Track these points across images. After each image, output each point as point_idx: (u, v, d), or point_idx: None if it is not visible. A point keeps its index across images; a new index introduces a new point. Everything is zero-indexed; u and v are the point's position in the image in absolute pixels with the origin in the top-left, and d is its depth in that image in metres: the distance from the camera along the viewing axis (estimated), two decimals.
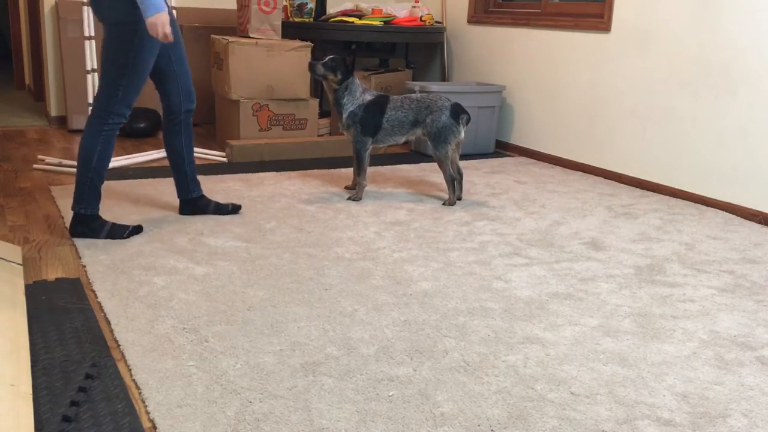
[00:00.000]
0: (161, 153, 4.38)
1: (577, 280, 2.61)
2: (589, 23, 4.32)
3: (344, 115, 3.49)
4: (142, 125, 4.95)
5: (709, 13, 3.65)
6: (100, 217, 2.86)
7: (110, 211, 3.17)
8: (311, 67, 3.51)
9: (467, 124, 3.48)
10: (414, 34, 5.25)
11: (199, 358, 1.93)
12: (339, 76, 3.46)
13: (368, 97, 3.51)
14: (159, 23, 2.55)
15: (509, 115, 5.01)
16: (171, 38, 2.60)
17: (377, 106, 3.49)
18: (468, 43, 5.35)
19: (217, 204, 3.21)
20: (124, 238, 2.84)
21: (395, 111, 3.49)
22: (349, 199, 3.53)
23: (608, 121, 4.27)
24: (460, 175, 3.60)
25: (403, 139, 3.57)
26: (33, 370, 1.82)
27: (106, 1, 2.64)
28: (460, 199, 3.61)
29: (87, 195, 2.80)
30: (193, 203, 3.18)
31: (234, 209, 3.23)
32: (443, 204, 3.52)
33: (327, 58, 3.49)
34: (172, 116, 2.99)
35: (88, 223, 2.83)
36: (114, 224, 2.87)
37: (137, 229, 2.91)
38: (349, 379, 1.86)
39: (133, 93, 2.76)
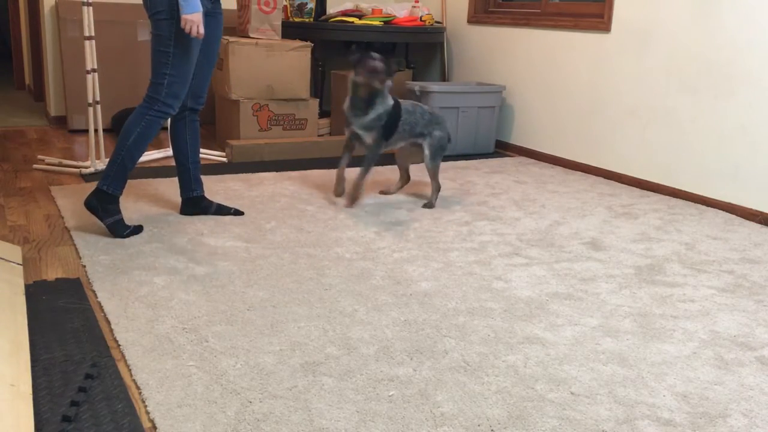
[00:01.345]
0: (161, 153, 4.38)
1: (577, 280, 2.61)
2: (589, 23, 4.32)
3: (370, 116, 3.30)
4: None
5: (709, 12, 3.65)
6: (117, 203, 2.89)
7: None
8: (374, 70, 3.23)
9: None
10: (414, 34, 5.25)
11: (199, 358, 1.93)
12: (388, 74, 3.31)
13: (392, 100, 3.39)
14: (194, 21, 2.69)
15: (509, 115, 5.01)
16: (202, 36, 2.75)
17: (396, 110, 3.40)
18: (468, 43, 5.35)
19: (219, 206, 3.21)
20: (123, 236, 2.85)
21: (408, 115, 3.41)
22: (341, 204, 3.44)
23: (608, 121, 4.27)
24: (407, 180, 3.74)
25: (399, 145, 3.50)
26: (33, 370, 1.82)
27: None
28: (393, 193, 3.73)
29: (114, 173, 2.84)
30: (195, 203, 3.19)
31: (236, 212, 3.22)
32: (424, 206, 3.52)
33: (377, 57, 3.28)
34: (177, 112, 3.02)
35: (104, 202, 2.85)
36: (121, 220, 2.90)
37: (137, 230, 2.92)
38: (349, 379, 1.86)
39: (179, 84, 2.82)
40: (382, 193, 3.71)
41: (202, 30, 2.73)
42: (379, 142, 3.38)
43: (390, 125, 3.38)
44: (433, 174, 3.52)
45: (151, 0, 2.75)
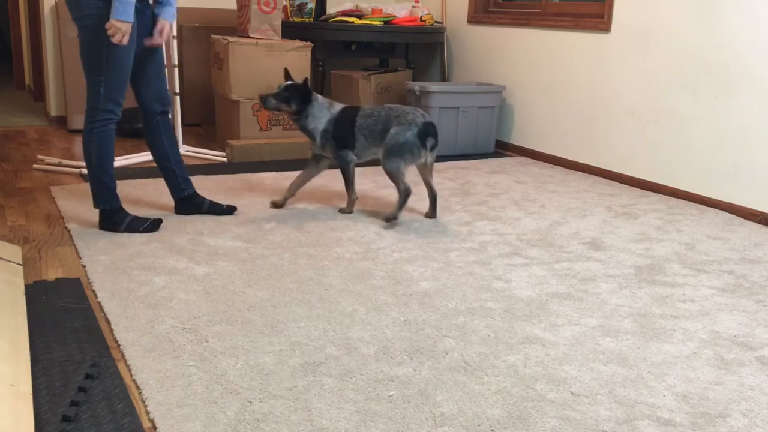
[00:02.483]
0: None
1: (577, 280, 2.61)
2: (589, 23, 4.32)
3: (317, 138, 3.24)
4: (142, 125, 4.95)
5: (709, 13, 3.65)
6: (121, 210, 2.93)
7: None
8: (263, 101, 3.22)
9: (432, 149, 3.15)
10: (414, 34, 5.25)
11: (199, 358, 1.93)
12: (294, 107, 3.20)
13: (336, 109, 3.26)
14: (121, 29, 2.62)
15: (509, 115, 5.01)
16: (125, 44, 2.67)
17: (347, 118, 3.23)
18: (468, 43, 5.35)
19: (212, 203, 3.21)
20: (140, 231, 2.90)
21: (365, 119, 3.20)
22: (340, 212, 3.35)
23: (608, 121, 4.27)
24: (434, 195, 3.34)
25: (378, 152, 3.23)
26: (33, 370, 1.82)
27: None
28: (434, 217, 3.33)
29: (99, 192, 2.88)
30: (187, 201, 3.20)
31: (228, 210, 3.22)
32: (384, 219, 3.21)
33: (280, 88, 3.22)
34: (147, 117, 3.03)
35: (111, 218, 2.92)
36: (135, 217, 2.94)
37: (156, 223, 2.95)
38: (349, 379, 1.86)
39: (116, 89, 2.77)
40: (428, 216, 3.34)
41: (126, 40, 2.65)
42: (340, 154, 3.25)
43: (342, 135, 3.22)
44: (392, 176, 3.17)
45: (76, 3, 2.65)
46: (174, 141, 3.13)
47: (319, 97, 3.27)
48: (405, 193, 3.15)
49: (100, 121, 2.78)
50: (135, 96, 3.00)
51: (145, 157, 4.26)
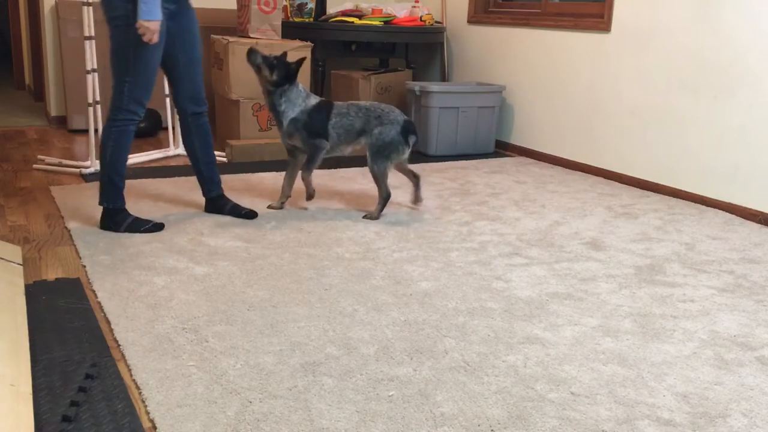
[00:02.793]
0: (161, 153, 4.38)
1: (577, 280, 2.61)
2: (589, 23, 4.32)
3: (285, 123, 3.18)
4: (142, 125, 4.94)
5: (709, 13, 3.65)
6: (124, 211, 2.95)
7: None
8: (250, 54, 3.16)
9: (413, 145, 3.23)
10: (414, 34, 5.25)
11: (199, 358, 1.93)
12: (274, 77, 3.13)
13: (312, 101, 3.21)
14: (150, 29, 2.66)
15: (509, 115, 5.01)
16: (155, 43, 2.71)
17: (321, 112, 3.20)
18: (468, 43, 5.35)
19: (234, 206, 3.22)
20: (141, 232, 2.91)
21: (340, 117, 3.19)
22: (270, 207, 3.31)
23: (608, 121, 4.27)
24: (417, 178, 3.38)
25: (349, 150, 3.28)
26: (33, 370, 1.82)
27: None
28: (421, 200, 3.41)
29: (107, 189, 2.91)
30: (211, 203, 3.24)
31: (248, 215, 3.18)
32: (364, 217, 3.25)
33: (272, 55, 3.17)
34: (180, 115, 3.10)
35: (112, 217, 2.94)
36: (136, 219, 2.95)
37: (158, 226, 2.95)
38: (349, 379, 1.86)
39: (140, 90, 2.81)
40: (415, 202, 3.42)
41: (156, 38, 2.69)
42: (310, 141, 3.19)
43: (314, 127, 3.18)
44: (378, 178, 3.21)
45: (108, 3, 2.71)
46: (206, 143, 3.14)
47: (300, 85, 3.23)
48: (386, 198, 3.25)
49: (121, 120, 2.83)
50: (171, 94, 3.07)
51: (145, 157, 4.26)
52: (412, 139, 3.21)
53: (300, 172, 3.31)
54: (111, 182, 2.90)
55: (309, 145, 3.22)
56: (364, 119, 3.20)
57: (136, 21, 2.64)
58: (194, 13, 2.97)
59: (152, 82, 2.84)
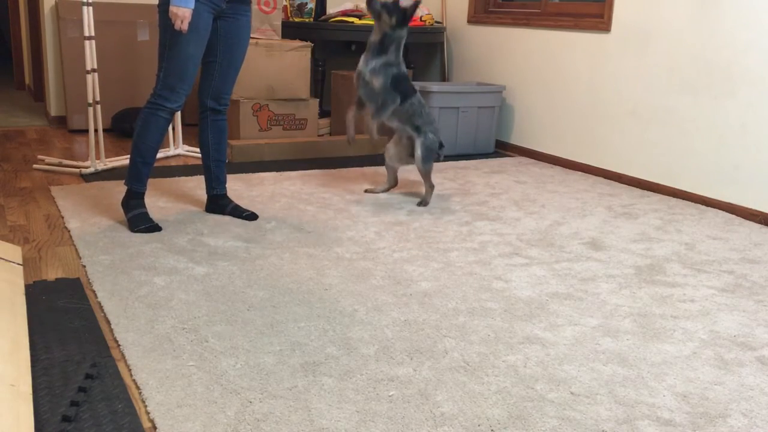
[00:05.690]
0: (161, 153, 4.38)
1: (577, 280, 2.61)
2: (589, 23, 4.32)
3: (380, 61, 3.35)
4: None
5: (709, 13, 3.65)
6: (140, 199, 2.99)
7: (110, 210, 3.17)
8: (370, 2, 3.34)
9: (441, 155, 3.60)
10: (414, 34, 5.25)
11: (199, 358, 1.93)
12: (393, 21, 3.30)
13: (404, 69, 3.42)
14: (178, 15, 2.70)
15: (509, 115, 5.01)
16: (184, 31, 2.75)
17: (407, 81, 3.43)
18: (468, 43, 5.35)
19: (235, 207, 3.22)
20: (134, 231, 2.92)
21: (414, 100, 3.45)
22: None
23: (608, 121, 4.27)
24: (395, 184, 3.76)
25: (397, 125, 3.49)
26: (33, 370, 1.82)
27: None
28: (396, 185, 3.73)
29: (129, 170, 2.98)
30: (213, 201, 3.24)
31: (249, 216, 3.18)
32: (419, 204, 3.54)
33: (389, 1, 3.34)
34: (200, 109, 3.12)
35: (128, 199, 3.00)
36: (143, 214, 2.97)
37: (152, 229, 2.95)
38: (349, 379, 1.86)
39: (174, 77, 2.84)
40: (368, 191, 3.70)
41: (185, 26, 2.73)
42: (388, 91, 3.35)
43: (399, 86, 3.38)
44: (426, 175, 3.53)
45: None
46: (219, 141, 3.16)
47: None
48: (432, 187, 3.60)
49: (152, 104, 2.88)
50: (199, 85, 3.10)
51: None
52: (442, 151, 3.60)
53: (366, 117, 3.47)
54: (133, 163, 2.96)
55: (386, 90, 3.37)
56: (425, 120, 3.50)
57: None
58: (248, 20, 3.02)
59: (189, 73, 2.86)
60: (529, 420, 1.71)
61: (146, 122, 2.90)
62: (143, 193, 3.00)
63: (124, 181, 3.02)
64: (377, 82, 3.35)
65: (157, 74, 2.87)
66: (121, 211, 3.06)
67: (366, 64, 3.37)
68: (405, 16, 3.33)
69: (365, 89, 3.38)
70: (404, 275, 2.58)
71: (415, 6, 3.34)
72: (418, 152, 3.47)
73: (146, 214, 2.98)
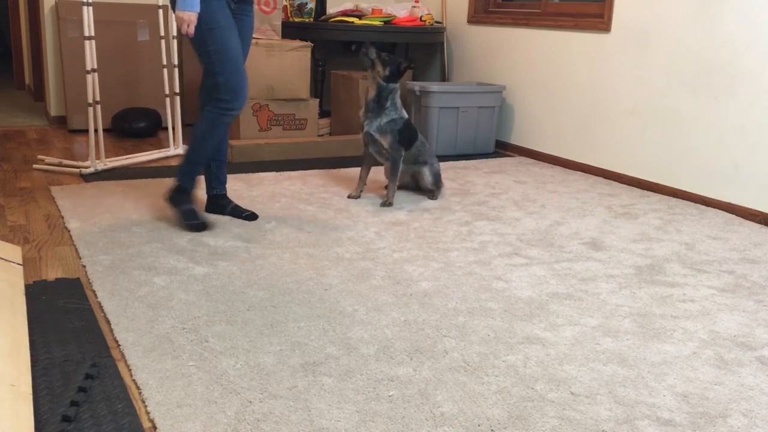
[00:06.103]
0: (161, 153, 4.38)
1: (577, 280, 2.61)
2: (589, 23, 4.32)
3: (383, 120, 3.43)
4: (142, 125, 4.95)
5: (709, 13, 3.65)
6: (188, 193, 3.00)
7: (110, 210, 3.17)
8: (363, 50, 3.40)
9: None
10: (414, 34, 5.25)
11: (199, 358, 1.93)
12: (386, 72, 3.39)
13: (405, 114, 3.51)
14: (184, 19, 2.68)
15: (509, 115, 5.01)
16: (191, 35, 2.73)
17: (411, 126, 3.54)
18: (468, 43, 5.35)
19: (236, 207, 3.22)
20: (186, 223, 2.95)
21: (419, 143, 3.58)
22: (383, 205, 3.47)
23: (608, 121, 4.27)
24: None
25: (403, 167, 3.58)
26: (33, 370, 1.82)
27: None
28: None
29: (186, 168, 2.98)
30: (212, 201, 3.23)
31: (249, 216, 3.18)
32: (429, 197, 3.66)
33: (384, 53, 3.44)
34: (201, 106, 3.08)
35: (177, 195, 3.01)
36: (192, 210, 2.99)
37: (202, 226, 2.96)
38: (349, 379, 1.86)
39: (235, 78, 2.84)
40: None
41: (192, 30, 2.71)
42: (398, 147, 3.46)
43: (407, 136, 3.49)
44: (437, 193, 3.69)
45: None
46: (220, 140, 3.12)
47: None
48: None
49: (220, 108, 2.88)
50: (202, 82, 3.07)
51: (145, 157, 4.26)
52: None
53: (386, 175, 3.61)
54: (191, 162, 2.96)
55: (395, 149, 3.48)
56: (429, 154, 3.66)
57: (205, 19, 2.69)
58: (252, 21, 3.03)
59: (243, 69, 2.86)
60: (529, 420, 1.71)
61: (213, 125, 2.89)
62: (192, 191, 3.02)
63: (175, 178, 3.00)
64: (386, 142, 3.46)
65: (215, 81, 2.82)
66: (121, 211, 3.05)
67: (370, 124, 3.45)
68: (398, 70, 3.42)
69: (374, 146, 3.50)
70: (404, 275, 2.58)
71: (408, 67, 3.46)
72: (430, 179, 3.63)
73: (196, 210, 3.01)
